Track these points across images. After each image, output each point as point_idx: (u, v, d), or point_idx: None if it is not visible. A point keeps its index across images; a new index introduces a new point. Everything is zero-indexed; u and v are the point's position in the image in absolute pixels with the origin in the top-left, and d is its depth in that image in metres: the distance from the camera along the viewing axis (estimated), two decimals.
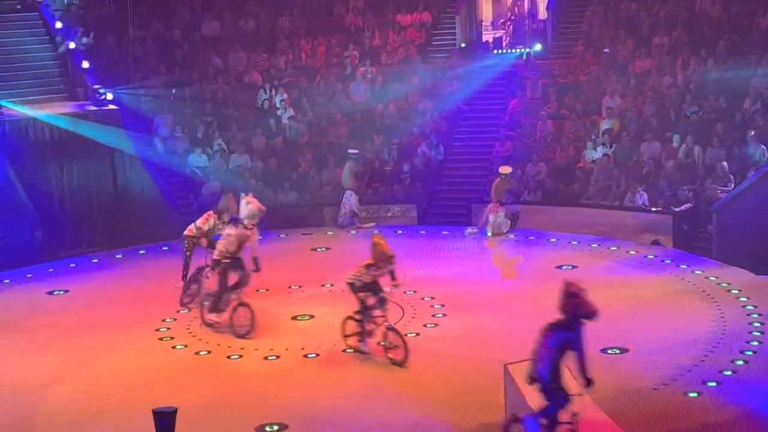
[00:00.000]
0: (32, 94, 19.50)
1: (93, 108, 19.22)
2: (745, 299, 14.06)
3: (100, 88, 19.51)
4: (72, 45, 20.10)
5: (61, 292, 15.94)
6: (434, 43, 23.81)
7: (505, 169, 18.42)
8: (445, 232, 18.51)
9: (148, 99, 21.16)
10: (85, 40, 20.84)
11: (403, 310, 14.32)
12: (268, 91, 22.08)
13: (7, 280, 16.64)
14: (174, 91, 21.46)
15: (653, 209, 18.05)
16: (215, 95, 21.86)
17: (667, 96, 20.11)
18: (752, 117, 18.82)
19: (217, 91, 21.94)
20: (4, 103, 18.78)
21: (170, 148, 20.58)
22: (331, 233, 18.84)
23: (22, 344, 13.67)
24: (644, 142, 19.31)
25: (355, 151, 19.88)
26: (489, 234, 17.99)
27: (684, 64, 20.52)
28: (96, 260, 17.61)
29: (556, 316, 13.64)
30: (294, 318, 14.24)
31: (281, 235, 18.87)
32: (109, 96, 19.56)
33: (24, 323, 14.52)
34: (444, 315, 14.10)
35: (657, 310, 13.75)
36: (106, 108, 19.27)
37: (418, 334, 13.40)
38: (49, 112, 18.61)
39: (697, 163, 18.54)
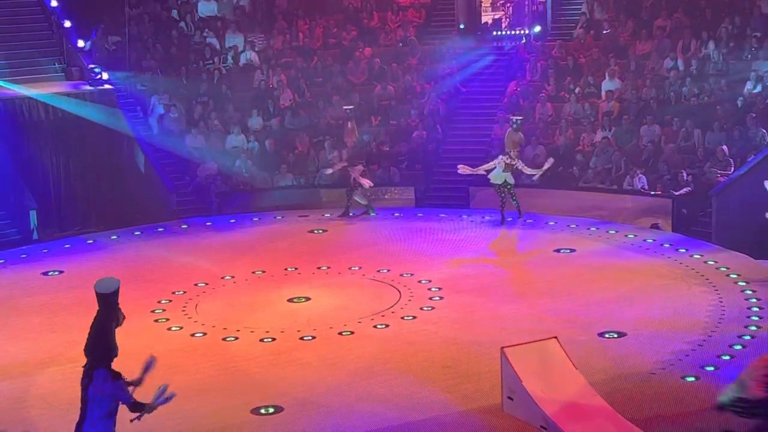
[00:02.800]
0: (27, 72, 19.35)
1: (88, 87, 19.11)
2: (743, 284, 13.99)
3: (95, 68, 19.40)
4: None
5: (56, 273, 15.85)
6: (433, 23, 23.67)
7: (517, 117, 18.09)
8: (442, 215, 18.41)
9: (144, 79, 21.04)
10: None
11: (399, 292, 14.26)
12: (265, 72, 21.95)
13: (1, 260, 16.55)
14: (160, 73, 21.28)
15: (652, 193, 17.96)
16: (211, 75, 21.72)
17: (668, 79, 20.00)
18: (753, 100, 18.72)
19: (213, 71, 21.80)
20: None
21: (166, 129, 20.47)
22: (328, 215, 18.73)
23: (16, 325, 13.59)
24: (644, 125, 19.22)
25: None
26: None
27: (685, 47, 20.41)
28: (91, 241, 17.51)
29: (554, 299, 13.66)
30: (290, 300, 14.15)
31: (277, 217, 18.78)
32: (105, 75, 19.44)
33: (18, 304, 14.43)
34: (441, 298, 14.03)
35: (655, 294, 13.68)
36: (102, 87, 19.16)
37: (414, 317, 13.33)
38: (44, 92, 18.48)
39: (697, 147, 18.45)
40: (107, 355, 8.29)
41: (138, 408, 8.19)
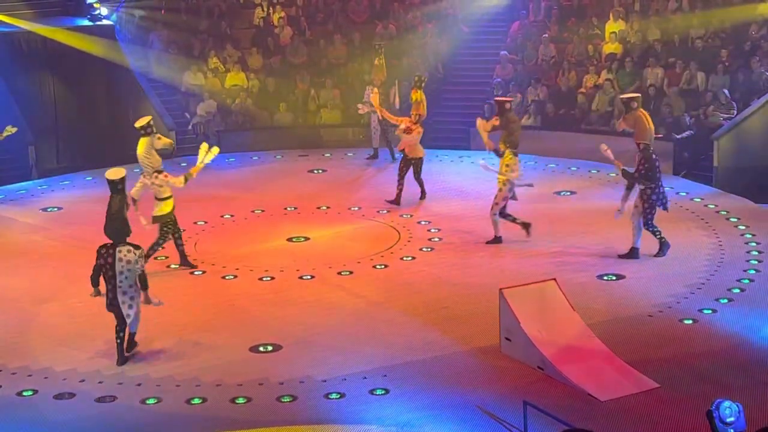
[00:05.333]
0: (26, 7, 19.14)
1: (87, 23, 18.92)
2: (743, 227, 13.99)
3: (94, 2, 19.17)
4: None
5: (55, 209, 15.83)
6: None
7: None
8: (443, 156, 18.33)
9: (143, 13, 20.82)
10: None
11: (399, 233, 14.24)
12: (265, 9, 21.69)
13: (0, 195, 16.53)
14: (163, 11, 21.03)
15: (655, 136, 17.81)
16: (211, 12, 21.47)
17: (672, 21, 19.77)
18: (758, 43, 18.52)
19: (213, 7, 21.55)
20: None
21: (165, 65, 20.28)
22: (328, 155, 18.63)
23: (16, 261, 13.60)
24: (647, 67, 19.04)
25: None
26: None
27: None
28: (90, 177, 17.46)
29: (553, 241, 13.65)
30: (289, 239, 14.16)
31: (277, 157, 18.72)
32: (104, 11, 19.22)
33: (17, 240, 14.44)
34: (440, 239, 14.03)
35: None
36: (101, 23, 18.96)
37: (413, 258, 13.34)
38: (43, 26, 18.29)
39: (701, 90, 18.30)
40: (125, 232, 10.15)
41: (143, 282, 10.16)
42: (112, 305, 10.20)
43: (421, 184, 15.63)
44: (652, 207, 12.74)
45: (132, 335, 10.60)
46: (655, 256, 12.97)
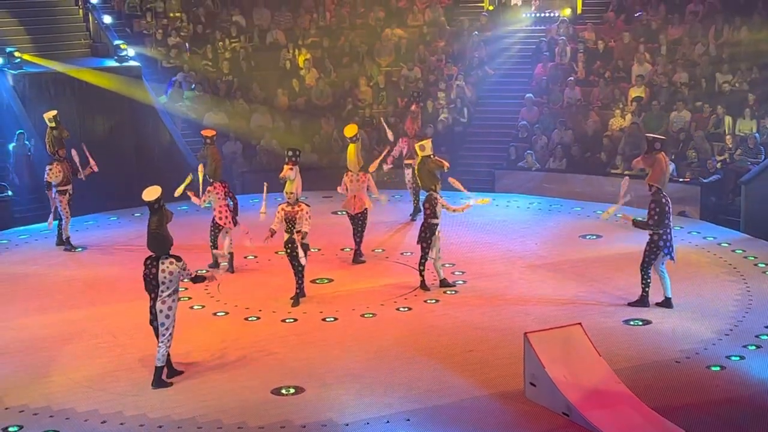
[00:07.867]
0: (53, 48, 19.40)
1: (114, 64, 19.13)
2: None
3: (121, 44, 19.39)
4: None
5: (80, 250, 15.87)
6: (461, 4, 23.49)
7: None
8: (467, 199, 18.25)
9: (170, 55, 21.01)
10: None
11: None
12: (291, 51, 21.86)
13: (24, 236, 16.60)
14: (187, 54, 21.26)
15: (681, 180, 17.74)
16: (237, 54, 21.64)
17: (699, 65, 19.74)
18: None
19: (239, 49, 21.73)
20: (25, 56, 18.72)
21: (191, 107, 20.42)
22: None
23: (40, 300, 13.63)
24: (674, 111, 18.98)
25: None
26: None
27: (717, 33, 20.13)
28: (114, 218, 17.53)
29: (579, 285, 13.54)
30: (313, 281, 14.09)
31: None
32: (131, 52, 19.42)
33: (41, 280, 14.47)
34: (464, 282, 13.94)
35: (682, 283, 13.48)
36: (128, 64, 19.16)
37: (437, 301, 13.25)
38: (70, 67, 18.50)
39: (727, 134, 18.20)
40: (166, 246, 10.68)
41: (198, 279, 11.14)
42: (156, 320, 10.74)
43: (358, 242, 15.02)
44: (655, 253, 12.50)
45: (158, 370, 10.82)
46: (628, 304, 12.77)
